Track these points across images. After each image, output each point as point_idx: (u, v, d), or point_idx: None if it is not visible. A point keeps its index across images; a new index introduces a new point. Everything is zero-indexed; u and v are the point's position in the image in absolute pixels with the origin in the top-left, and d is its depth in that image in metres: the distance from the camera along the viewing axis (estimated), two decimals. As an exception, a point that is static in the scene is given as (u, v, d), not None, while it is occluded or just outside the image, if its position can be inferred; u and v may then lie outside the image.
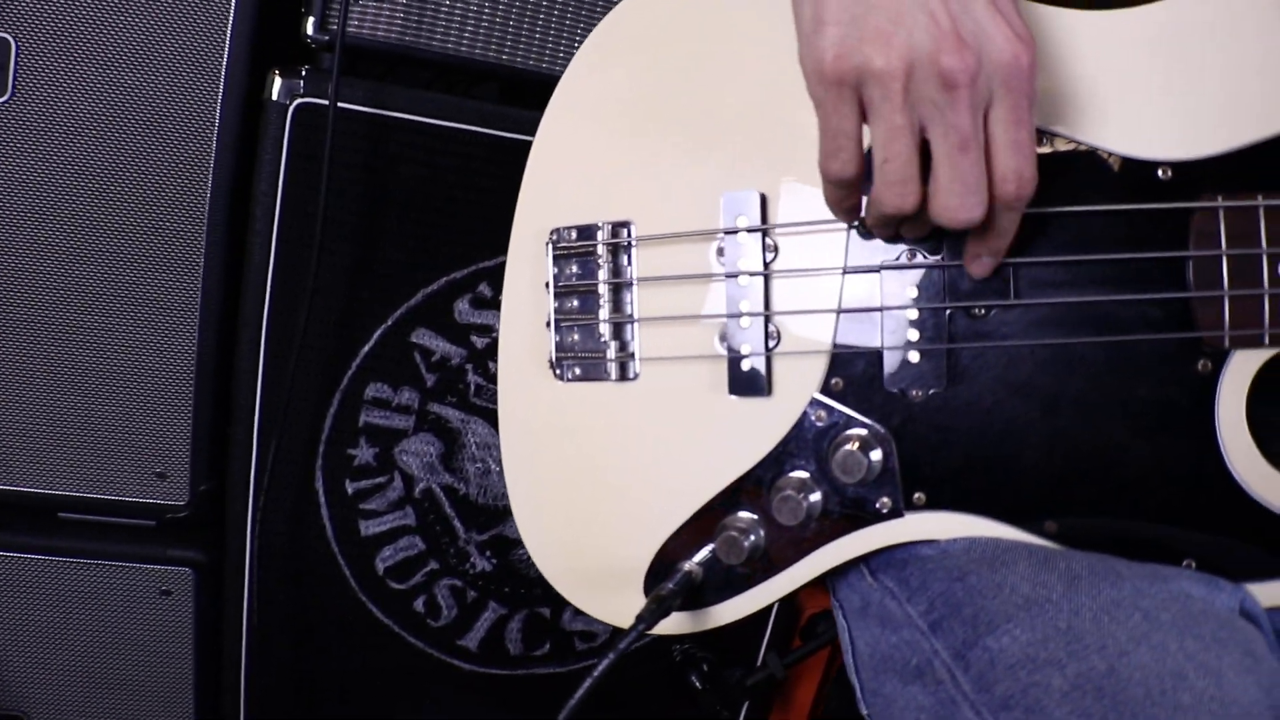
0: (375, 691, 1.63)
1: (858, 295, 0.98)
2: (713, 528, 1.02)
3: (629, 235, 1.05)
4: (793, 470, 0.99)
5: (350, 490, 1.54)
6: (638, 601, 1.04)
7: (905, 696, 0.93)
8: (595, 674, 0.95)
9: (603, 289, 1.05)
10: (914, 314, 0.96)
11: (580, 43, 1.52)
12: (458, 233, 1.50)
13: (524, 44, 1.52)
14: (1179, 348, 0.91)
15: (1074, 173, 0.92)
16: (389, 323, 1.51)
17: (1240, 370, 0.89)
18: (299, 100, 1.43)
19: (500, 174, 1.48)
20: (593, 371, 1.06)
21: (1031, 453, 0.95)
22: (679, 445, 1.04)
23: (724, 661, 1.67)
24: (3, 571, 1.51)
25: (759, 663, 1.73)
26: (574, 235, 1.07)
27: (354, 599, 1.57)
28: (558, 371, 1.07)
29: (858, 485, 0.97)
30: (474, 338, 1.53)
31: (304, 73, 1.43)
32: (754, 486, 1.01)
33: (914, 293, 0.95)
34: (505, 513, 1.59)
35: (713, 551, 1.01)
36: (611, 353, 1.05)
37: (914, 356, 0.96)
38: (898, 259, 0.96)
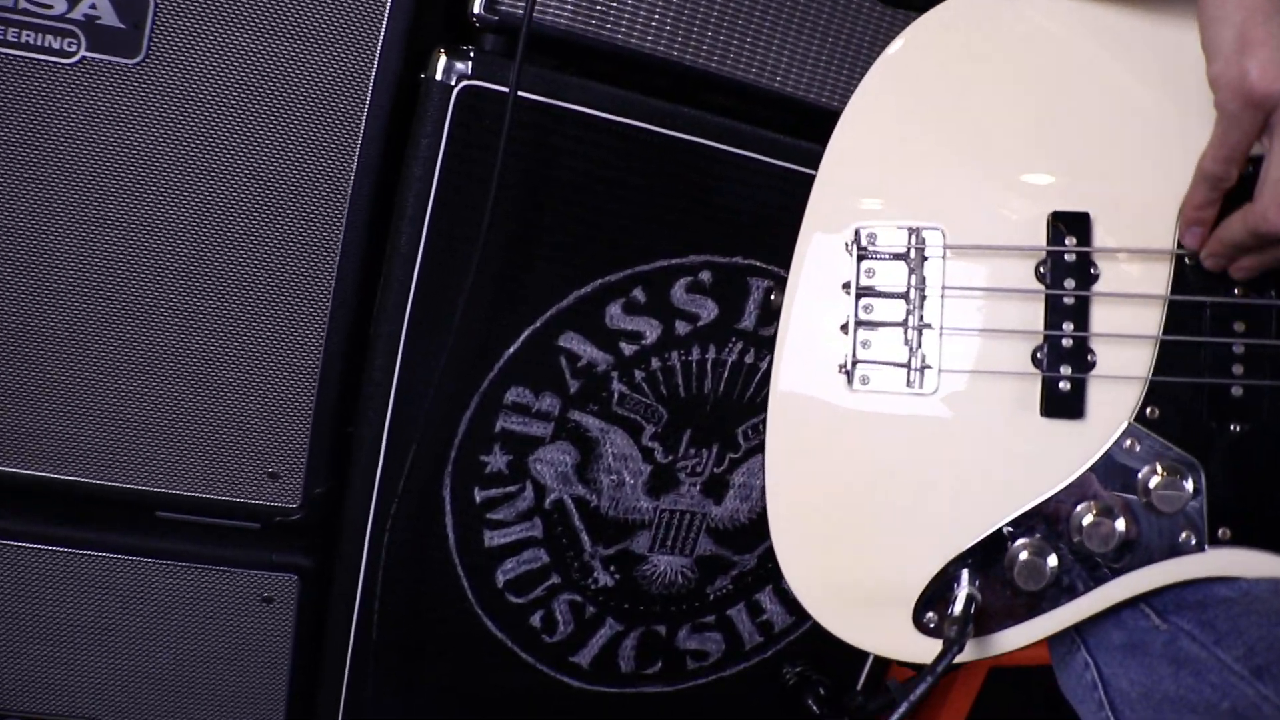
0: (480, 707, 1.59)
1: (1180, 325, 1.02)
2: (1002, 551, 1.03)
3: (943, 242, 1.05)
4: (1098, 497, 1.01)
5: (479, 499, 1.49)
6: (904, 629, 1.05)
7: None
8: (912, 696, 0.97)
9: (914, 295, 1.05)
10: (1240, 348, 0.99)
11: (774, 48, 1.48)
12: (616, 234, 1.44)
13: (708, 42, 1.45)
14: None
15: None
16: (536, 324, 1.45)
17: None
18: (465, 83, 1.34)
19: (667, 174, 1.43)
20: (892, 381, 1.06)
21: None
22: (976, 463, 1.05)
23: (838, 684, 1.68)
24: (93, 572, 1.42)
25: (859, 685, 1.74)
26: (880, 237, 1.06)
27: (469, 612, 1.53)
28: (854, 378, 1.06)
29: (1166, 517, 0.99)
30: (623, 344, 1.48)
31: (471, 54, 1.35)
32: (1054, 511, 1.02)
33: (1241, 326, 1.00)
34: (634, 527, 1.56)
35: (1005, 576, 1.02)
36: (916, 362, 1.04)
37: (1237, 390, 1.00)
38: (1229, 293, 1.00)
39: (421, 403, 1.41)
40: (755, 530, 1.63)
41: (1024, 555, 1.01)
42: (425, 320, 1.40)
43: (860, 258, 1.06)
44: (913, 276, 1.05)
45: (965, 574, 1.03)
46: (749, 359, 1.54)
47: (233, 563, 1.46)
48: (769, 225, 1.50)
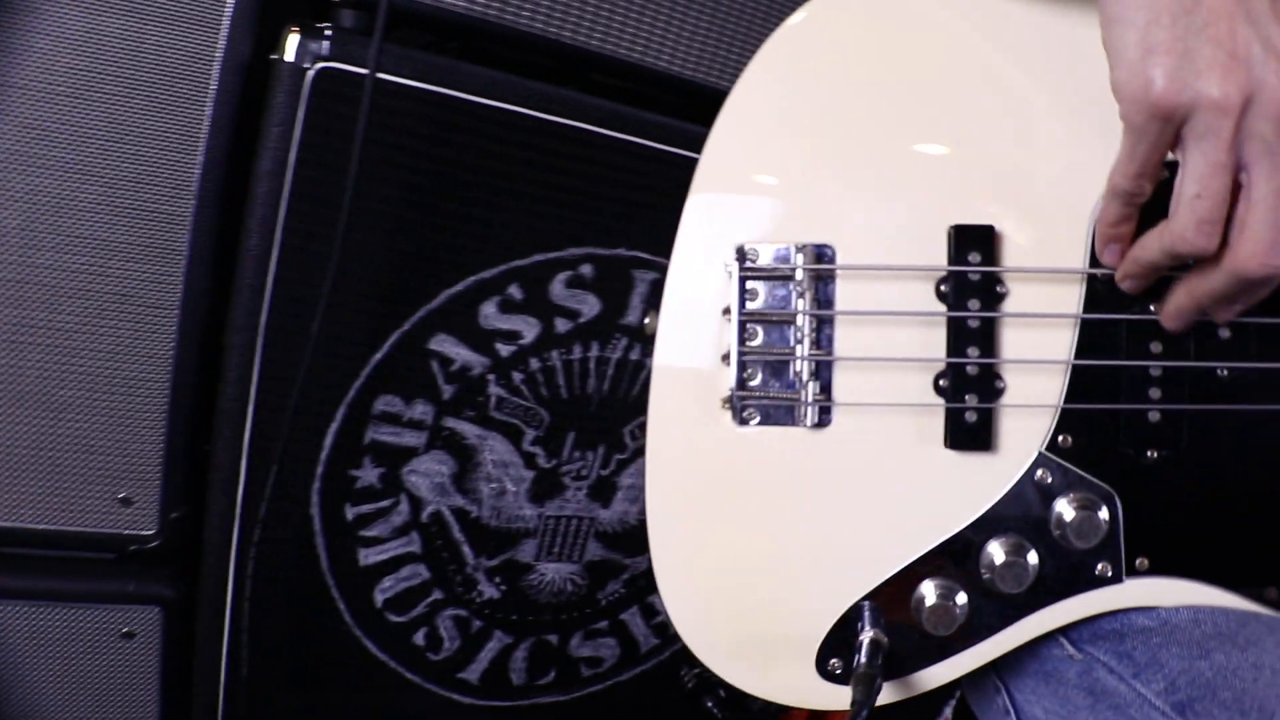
0: (364, 733, 1.50)
1: (1094, 347, 0.95)
2: (909, 592, 0.96)
3: (835, 260, 0.96)
4: (1008, 532, 0.95)
5: (350, 516, 1.40)
6: (807, 675, 0.98)
7: None
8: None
9: (802, 321, 0.95)
10: (1157, 370, 0.94)
11: (659, 26, 1.39)
12: (490, 228, 1.36)
13: (589, 20, 1.36)
14: None
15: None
16: (405, 327, 1.35)
17: None
18: (321, 65, 1.24)
19: (545, 163, 1.35)
20: (781, 416, 0.96)
21: (1261, 518, 0.96)
22: (878, 501, 0.96)
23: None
24: (-73, 618, 1.30)
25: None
26: (763, 255, 0.96)
27: (347, 635, 1.44)
28: (740, 413, 0.96)
29: (1082, 549, 0.94)
30: (499, 345, 1.40)
31: (329, 33, 1.24)
32: (963, 548, 0.96)
33: (1158, 347, 0.94)
34: (518, 536, 1.49)
35: (913, 619, 0.95)
36: (808, 395, 0.95)
37: (1154, 415, 0.94)
38: (1144, 310, 0.94)
39: (284, 416, 1.31)
40: (645, 532, 1.56)
41: (931, 598, 0.94)
42: (284, 328, 1.30)
43: (742, 279, 0.96)
44: (801, 300, 0.95)
45: (869, 619, 0.95)
46: (634, 355, 1.47)
47: (88, 598, 1.34)
48: (655, 214, 1.42)
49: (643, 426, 1.49)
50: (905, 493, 0.96)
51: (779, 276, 0.95)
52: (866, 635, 0.94)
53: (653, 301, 1.43)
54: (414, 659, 1.49)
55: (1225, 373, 0.95)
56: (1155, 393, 0.94)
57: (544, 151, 1.35)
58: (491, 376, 1.41)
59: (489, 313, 1.39)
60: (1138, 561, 0.95)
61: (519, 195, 1.35)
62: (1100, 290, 0.94)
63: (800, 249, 0.95)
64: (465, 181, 1.33)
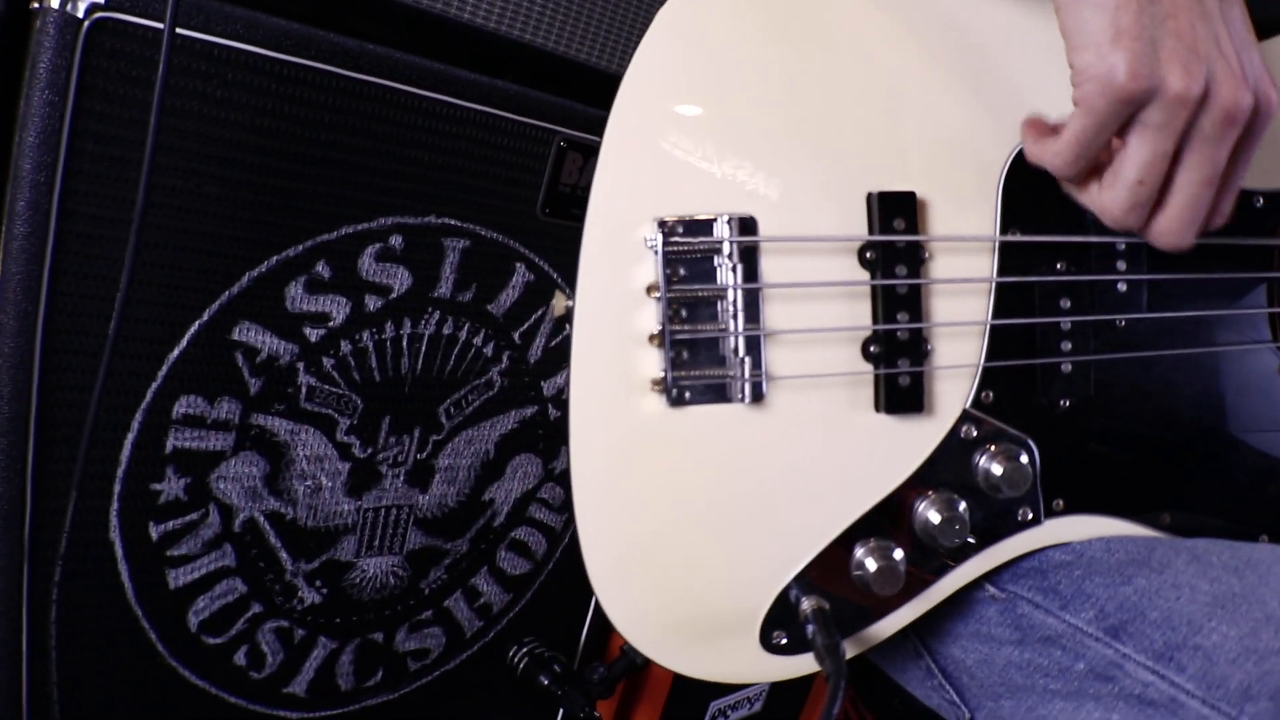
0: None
1: (1009, 307, 1.00)
2: (847, 558, 0.96)
3: (758, 233, 0.92)
4: (937, 488, 0.97)
5: (155, 535, 1.23)
6: (752, 654, 0.96)
7: (1077, 699, 0.96)
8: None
9: (734, 296, 0.92)
10: (1067, 325, 0.98)
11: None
12: (294, 200, 1.21)
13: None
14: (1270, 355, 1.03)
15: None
16: (205, 318, 1.19)
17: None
18: (99, 15, 1.06)
19: (351, 125, 1.22)
20: (716, 394, 0.92)
21: (1156, 453, 1.04)
22: (813, 470, 0.96)
23: (570, 659, 1.59)
24: None
25: (579, 652, 1.65)
26: (685, 230, 0.91)
27: (162, 666, 1.27)
28: (673, 394, 0.92)
29: (1006, 497, 0.98)
30: (307, 329, 1.26)
31: (104, -23, 1.06)
32: (896, 509, 0.97)
33: (1068, 303, 0.98)
34: (337, 533, 1.36)
35: (859, 582, 0.95)
36: (745, 371, 0.92)
37: (1066, 367, 0.99)
38: (1053, 271, 0.98)
39: (77, 433, 1.13)
40: (464, 513, 1.48)
41: (874, 559, 0.95)
42: (68, 329, 1.11)
43: (666, 255, 0.91)
44: (732, 274, 0.92)
45: (808, 587, 0.95)
46: (447, 330, 1.37)
47: None
48: (464, 177, 1.32)
49: (457, 404, 1.43)
50: (838, 459, 0.96)
51: (705, 250, 0.91)
52: (809, 604, 0.93)
53: (465, 270, 1.36)
54: (237, 681, 1.34)
55: (1123, 323, 1.02)
56: (1066, 345, 1.00)
57: (350, 114, 1.22)
58: (301, 365, 1.28)
59: (296, 294, 1.25)
60: (1055, 503, 1.01)
61: (324, 162, 1.22)
62: (1011, 254, 0.97)
63: (724, 220, 0.91)
64: (265, 149, 1.18)
